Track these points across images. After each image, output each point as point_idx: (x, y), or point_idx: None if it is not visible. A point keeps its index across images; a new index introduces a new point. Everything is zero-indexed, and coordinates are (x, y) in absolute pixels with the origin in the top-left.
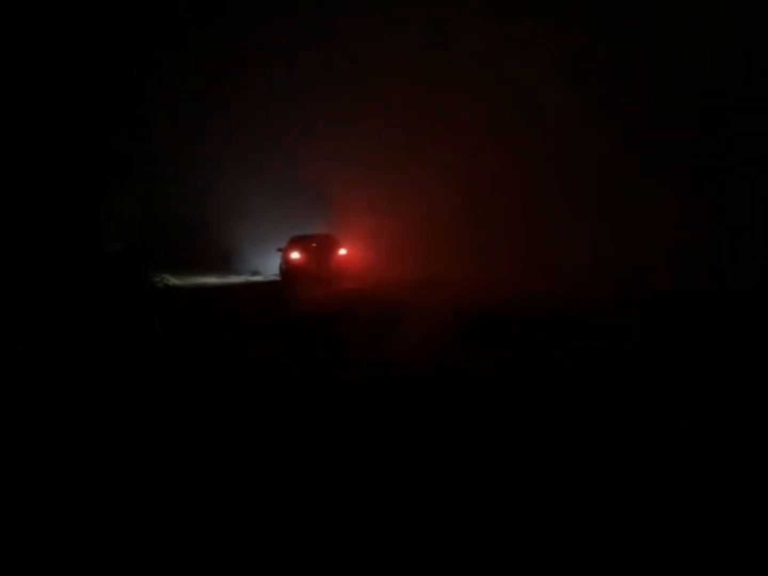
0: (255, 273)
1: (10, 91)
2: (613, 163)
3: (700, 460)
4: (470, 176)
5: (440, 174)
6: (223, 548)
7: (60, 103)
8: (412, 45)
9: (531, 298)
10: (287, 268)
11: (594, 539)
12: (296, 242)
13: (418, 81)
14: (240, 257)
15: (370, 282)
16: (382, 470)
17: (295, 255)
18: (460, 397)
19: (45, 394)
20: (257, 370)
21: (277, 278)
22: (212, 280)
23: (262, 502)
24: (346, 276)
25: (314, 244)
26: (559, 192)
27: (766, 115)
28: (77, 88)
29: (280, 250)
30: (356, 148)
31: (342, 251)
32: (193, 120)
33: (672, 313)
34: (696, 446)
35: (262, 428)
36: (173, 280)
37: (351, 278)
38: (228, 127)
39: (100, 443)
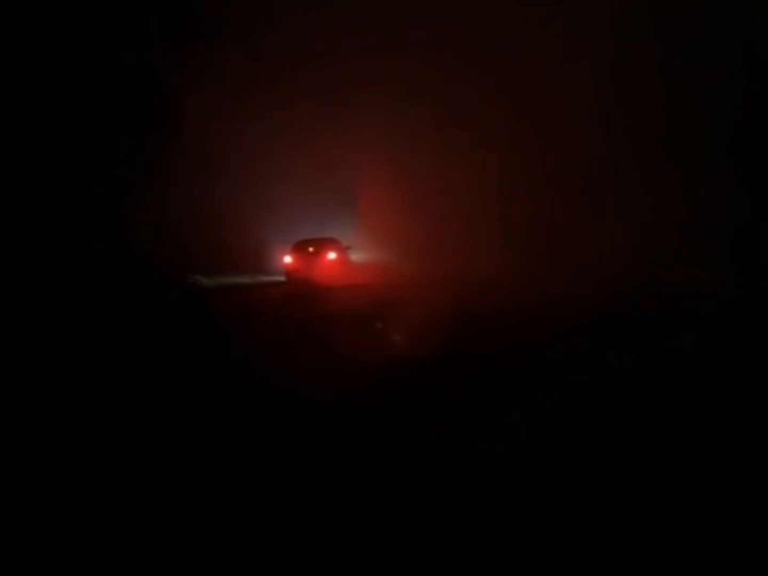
0: None
1: (43, 92)
2: (616, 163)
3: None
4: (485, 176)
5: (456, 174)
6: (223, 549)
7: (93, 104)
8: (434, 43)
9: (538, 300)
10: (283, 271)
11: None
12: (296, 246)
13: (435, 84)
14: (271, 258)
15: (363, 284)
16: None
17: (287, 259)
18: None
19: (51, 392)
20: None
21: None
22: (242, 280)
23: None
24: (334, 279)
25: (311, 249)
26: (581, 192)
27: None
28: (110, 90)
29: None
30: (385, 150)
31: (331, 255)
32: (226, 121)
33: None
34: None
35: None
36: (204, 281)
37: (341, 281)
38: (260, 128)
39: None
